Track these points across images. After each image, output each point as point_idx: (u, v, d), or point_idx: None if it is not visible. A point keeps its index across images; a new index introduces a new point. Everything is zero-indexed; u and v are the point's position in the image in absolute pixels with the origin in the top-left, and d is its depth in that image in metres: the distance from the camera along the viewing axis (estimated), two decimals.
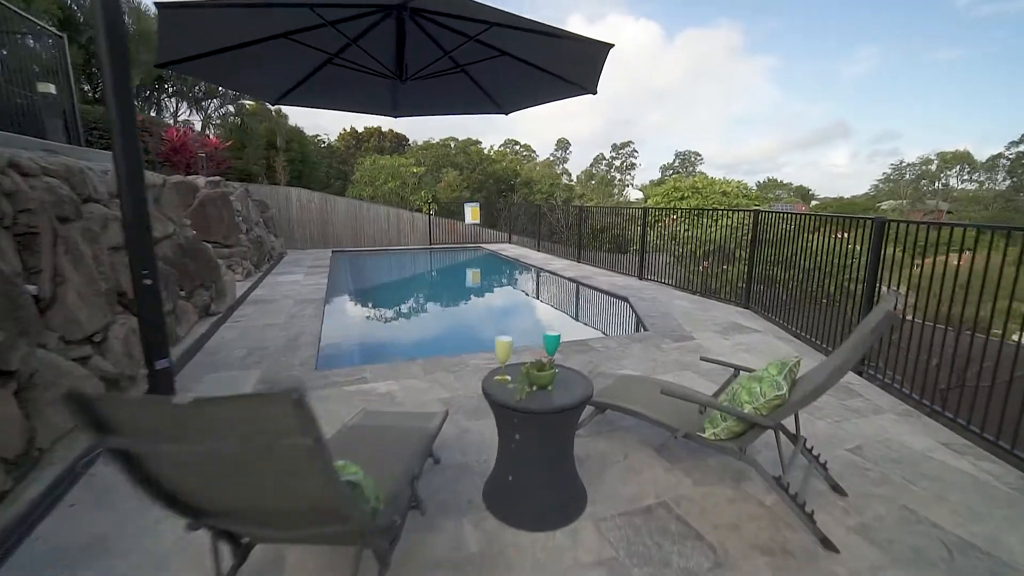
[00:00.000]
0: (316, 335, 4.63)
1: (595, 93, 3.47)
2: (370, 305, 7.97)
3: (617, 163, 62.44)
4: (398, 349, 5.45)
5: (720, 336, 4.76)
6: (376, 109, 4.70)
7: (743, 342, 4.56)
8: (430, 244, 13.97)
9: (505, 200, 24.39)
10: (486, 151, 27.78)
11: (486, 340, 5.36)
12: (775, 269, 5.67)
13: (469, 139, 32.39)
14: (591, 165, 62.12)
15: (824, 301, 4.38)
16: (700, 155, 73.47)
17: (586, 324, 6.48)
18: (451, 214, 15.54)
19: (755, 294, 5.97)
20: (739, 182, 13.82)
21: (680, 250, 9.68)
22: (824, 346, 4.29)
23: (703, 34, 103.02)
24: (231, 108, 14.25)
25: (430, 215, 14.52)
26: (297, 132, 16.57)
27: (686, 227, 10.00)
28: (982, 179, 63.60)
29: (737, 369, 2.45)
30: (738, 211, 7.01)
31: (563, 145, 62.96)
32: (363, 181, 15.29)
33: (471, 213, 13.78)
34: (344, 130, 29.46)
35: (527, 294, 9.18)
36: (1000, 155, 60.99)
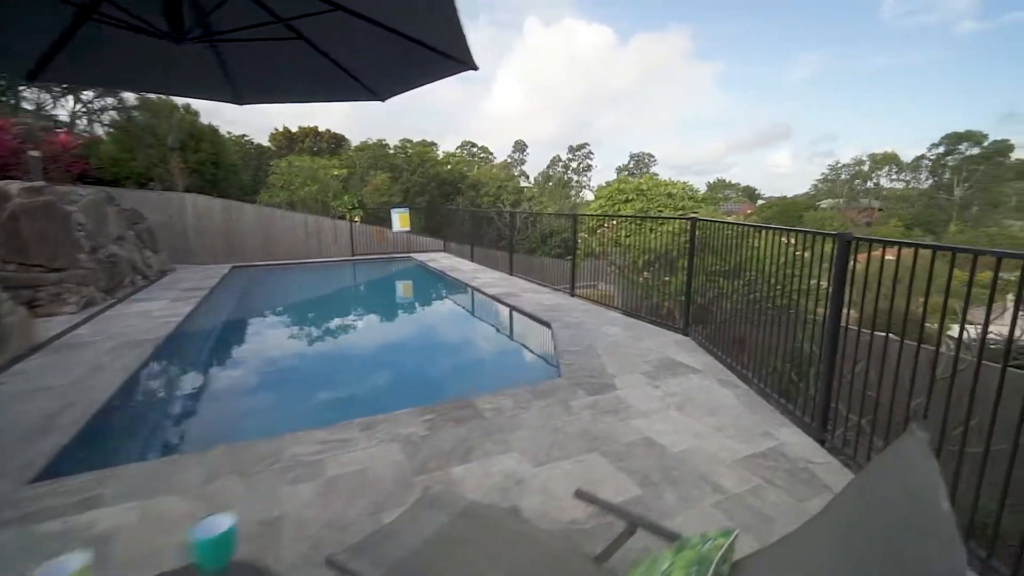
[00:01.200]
0: (91, 408, 3.26)
1: (476, 68, 2.56)
2: (218, 347, 5.85)
3: (574, 165, 63.51)
4: (207, 426, 3.71)
5: (649, 382, 3.74)
6: (207, 93, 3.52)
7: (676, 391, 3.56)
8: (352, 255, 12.52)
9: (450, 204, 23.11)
10: (433, 153, 26.33)
11: (335, 405, 4.10)
12: (716, 287, 4.77)
13: (424, 140, 30.92)
14: (548, 167, 62.53)
15: (775, 325, 3.44)
16: (654, 156, 75.89)
17: (483, 369, 5.23)
18: (381, 221, 14.14)
19: (694, 317, 5.06)
20: (684, 183, 13.21)
21: (621, 259, 8.79)
22: (782, 400, 3.35)
23: (655, 38, 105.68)
24: (110, 100, 12.25)
25: (354, 223, 13.08)
26: (210, 131, 14.66)
27: (626, 233, 9.15)
28: (908, 178, 68.04)
29: (631, 526, 1.37)
30: (672, 219, 6.11)
31: (520, 147, 63.30)
32: (278, 185, 13.60)
33: (399, 220, 12.46)
34: (276, 130, 27.26)
35: (427, 324, 7.69)
36: (923, 156, 65.39)
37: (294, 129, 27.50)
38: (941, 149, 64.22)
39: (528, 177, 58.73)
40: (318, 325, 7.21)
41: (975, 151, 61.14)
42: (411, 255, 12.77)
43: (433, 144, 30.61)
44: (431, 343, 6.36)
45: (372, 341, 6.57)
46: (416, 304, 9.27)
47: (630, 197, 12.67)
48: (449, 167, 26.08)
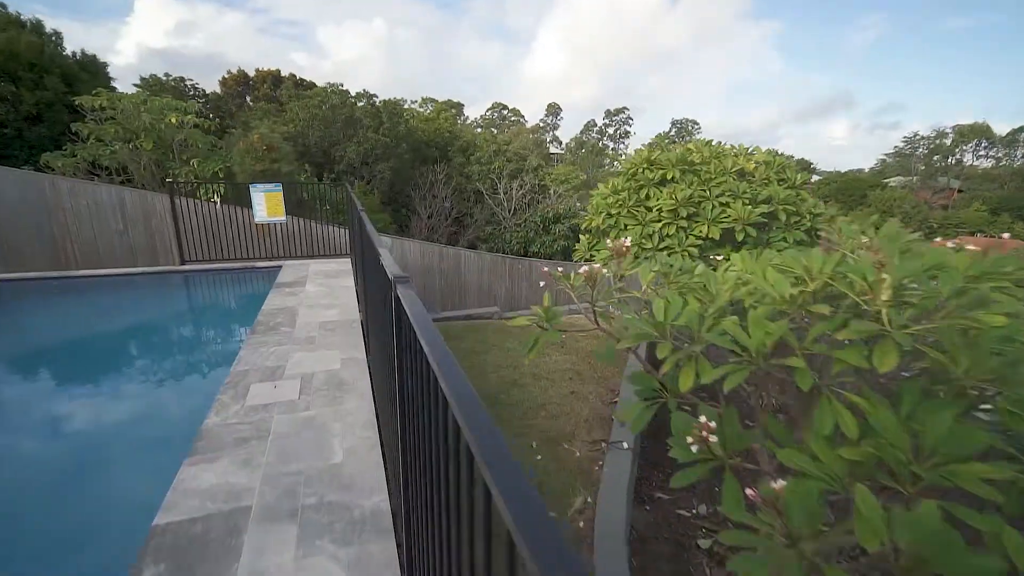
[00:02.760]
0: None
1: None
2: None
3: (610, 131, 58.22)
4: None
5: None
6: None
7: None
8: (182, 263, 7.31)
9: (429, 172, 17.66)
10: (408, 107, 20.52)
11: None
12: None
13: (450, 101, 25.30)
14: (581, 132, 56.71)
15: None
16: (698, 124, 68.64)
17: None
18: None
19: None
20: (771, 152, 7.47)
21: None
22: None
23: None
24: None
25: (211, 203, 7.91)
26: (59, 59, 9.48)
27: (664, 271, 3.55)
28: (1000, 155, 58.47)
29: None
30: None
31: (554, 110, 57.77)
32: (94, 138, 8.58)
33: (265, 204, 7.25)
34: (228, 73, 22.14)
35: None
36: (1021, 129, 55.79)
37: (252, 72, 22.26)
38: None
39: (560, 143, 53.09)
40: None
41: None
42: (284, 263, 7.54)
43: (459, 105, 24.94)
44: None
45: None
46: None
47: (671, 176, 7.00)
48: (435, 126, 20.32)
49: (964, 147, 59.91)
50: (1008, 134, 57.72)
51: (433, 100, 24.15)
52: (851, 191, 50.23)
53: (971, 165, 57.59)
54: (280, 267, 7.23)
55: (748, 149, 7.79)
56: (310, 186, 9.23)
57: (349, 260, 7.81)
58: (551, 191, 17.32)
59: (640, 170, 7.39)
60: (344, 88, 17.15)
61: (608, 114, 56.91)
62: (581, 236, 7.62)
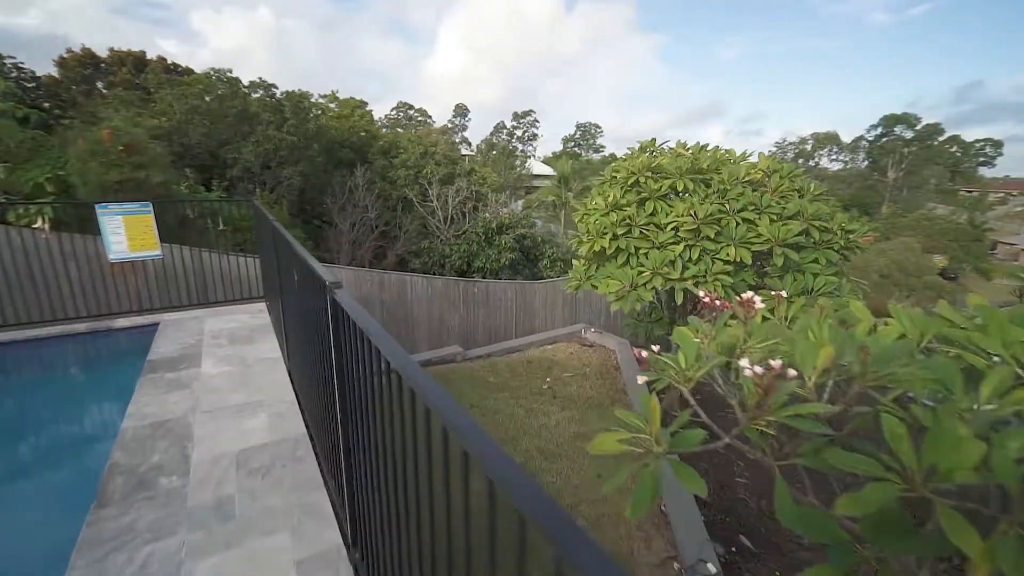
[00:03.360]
0: None
1: None
2: None
3: (519, 133, 60.23)
4: None
5: None
6: None
7: None
8: None
9: (348, 177, 15.15)
10: (316, 101, 17.63)
11: None
12: None
13: (353, 98, 22.19)
14: (491, 134, 56.90)
15: None
16: (600, 127, 72.73)
17: None
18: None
19: None
20: (774, 157, 6.63)
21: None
22: None
23: (600, 6, 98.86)
24: None
25: (42, 231, 5.22)
26: None
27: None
28: (847, 159, 68.65)
29: None
30: None
31: (462, 111, 57.81)
32: None
33: (125, 232, 4.83)
34: (69, 52, 17.41)
35: None
36: (862, 137, 66.02)
37: (105, 52, 17.76)
38: (880, 131, 65.36)
39: (470, 144, 52.74)
40: None
41: (909, 135, 62.60)
42: (113, 324, 5.14)
43: (363, 103, 22.09)
44: None
45: None
46: None
47: (682, 187, 5.82)
48: (350, 124, 17.63)
49: (820, 152, 69.83)
50: (852, 141, 67.73)
51: (336, 97, 21.36)
52: None
53: (824, 168, 67.20)
54: (155, 326, 4.85)
55: (748, 154, 6.91)
56: (200, 202, 6.71)
57: (264, 306, 5.60)
58: (490, 197, 15.77)
59: (642, 179, 6.15)
60: (234, 75, 13.97)
61: (516, 116, 58.44)
62: (575, 262, 6.20)
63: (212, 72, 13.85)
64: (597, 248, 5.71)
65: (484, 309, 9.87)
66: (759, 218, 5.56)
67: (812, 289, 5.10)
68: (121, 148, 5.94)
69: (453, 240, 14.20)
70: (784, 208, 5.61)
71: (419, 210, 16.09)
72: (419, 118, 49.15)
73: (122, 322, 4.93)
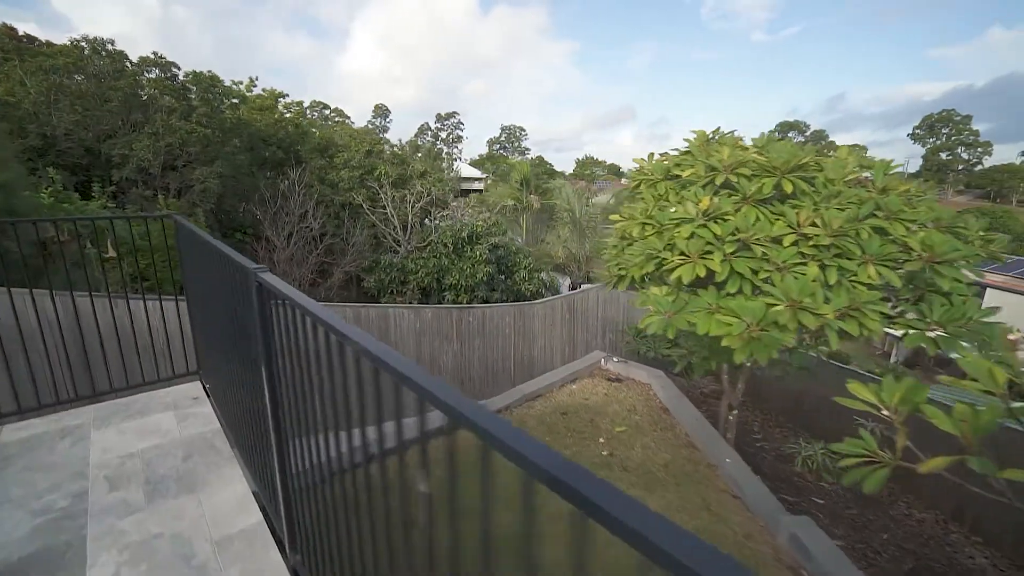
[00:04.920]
0: None
1: None
2: None
3: (443, 135, 59.85)
4: None
5: None
6: None
7: None
8: None
9: (280, 179, 12.39)
10: (236, 90, 14.28)
11: None
12: None
13: (271, 89, 18.47)
14: (416, 135, 55.38)
15: None
16: (525, 130, 74.36)
17: None
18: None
19: None
20: (849, 149, 5.53)
21: None
22: None
23: (515, 12, 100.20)
24: None
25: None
26: None
27: None
28: None
29: None
30: None
31: (382, 112, 55.97)
32: None
33: None
34: None
35: None
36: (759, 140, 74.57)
37: None
38: (777, 135, 73.40)
39: (393, 146, 51.06)
40: None
41: (800, 139, 70.19)
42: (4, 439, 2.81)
43: (283, 94, 18.57)
44: None
45: None
46: None
47: (790, 189, 4.43)
48: (260, 113, 14.52)
49: None
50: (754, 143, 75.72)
51: (255, 84, 17.91)
52: None
53: None
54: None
55: (814, 147, 5.81)
56: (72, 220, 4.16)
57: (198, 385, 3.38)
58: (450, 202, 13.79)
59: (733, 178, 4.75)
60: (117, 48, 10.54)
61: (439, 118, 58.11)
62: (653, 290, 4.64)
63: (83, 42, 10.35)
64: (701, 272, 4.18)
65: (480, 339, 8.01)
66: (890, 226, 4.35)
67: (968, 317, 3.95)
68: None
69: (416, 253, 12.07)
70: (916, 212, 4.44)
71: (367, 218, 13.72)
72: (336, 118, 46.15)
73: None
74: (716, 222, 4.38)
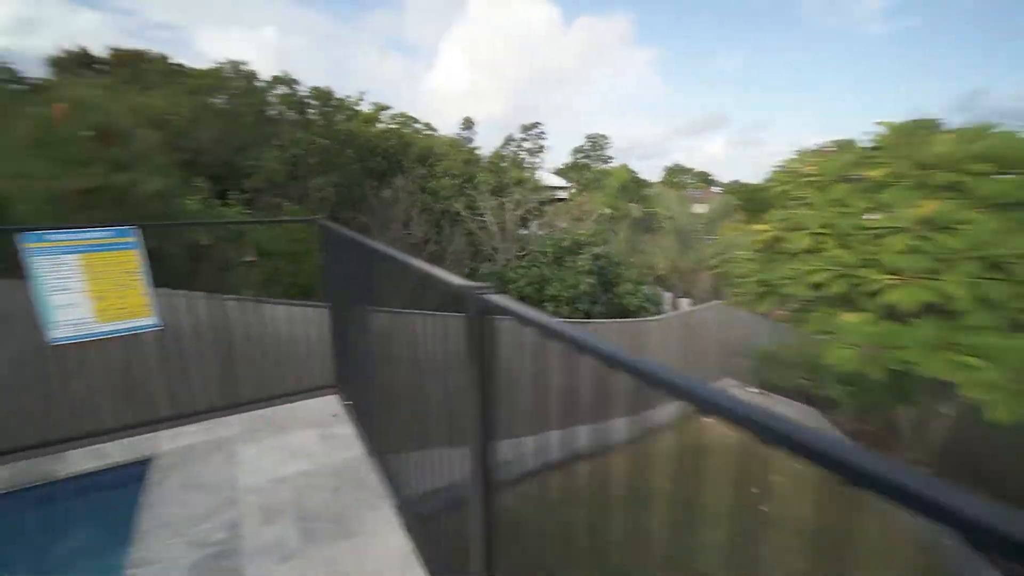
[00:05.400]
0: None
1: None
2: None
3: (527, 145, 60.25)
4: None
5: None
6: None
7: None
8: None
9: (387, 188, 12.85)
10: (346, 102, 15.14)
11: None
12: None
13: (369, 101, 19.78)
14: (502, 146, 56.34)
15: None
16: (607, 138, 72.91)
17: None
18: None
19: None
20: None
21: None
22: None
23: (597, 20, 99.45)
24: None
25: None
26: None
27: None
28: None
29: None
30: None
31: (468, 124, 57.69)
32: None
33: (90, 286, 2.48)
34: (64, 52, 15.33)
35: None
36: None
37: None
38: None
39: (480, 157, 52.56)
40: None
41: None
42: (163, 443, 2.72)
43: (386, 106, 19.57)
44: None
45: None
46: None
47: None
48: (367, 124, 15.17)
49: None
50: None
51: (362, 99, 19.06)
52: (756, 200, 53.60)
53: None
54: (144, 467, 2.42)
55: None
56: (223, 223, 4.27)
57: (336, 399, 3.16)
58: (547, 211, 13.44)
59: (963, 179, 3.72)
60: (249, 68, 11.71)
61: (524, 128, 58.66)
62: (843, 317, 3.76)
63: (228, 63, 11.66)
64: (927, 297, 3.25)
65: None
66: None
67: None
68: (91, 134, 3.61)
69: (515, 262, 11.78)
70: None
71: (466, 226, 13.72)
72: (425, 131, 48.44)
73: (77, 460, 2.49)
74: (944, 233, 3.42)
